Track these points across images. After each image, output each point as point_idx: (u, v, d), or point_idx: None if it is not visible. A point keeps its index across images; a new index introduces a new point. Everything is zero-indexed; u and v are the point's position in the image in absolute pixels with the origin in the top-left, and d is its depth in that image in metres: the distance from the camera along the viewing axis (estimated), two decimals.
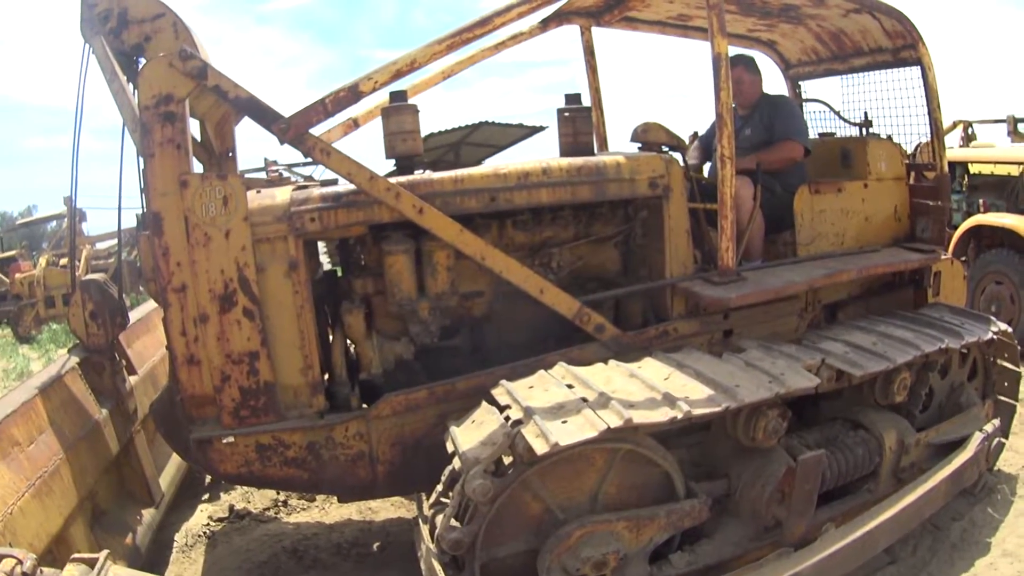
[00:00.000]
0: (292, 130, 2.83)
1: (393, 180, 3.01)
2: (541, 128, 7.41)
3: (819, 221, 4.04)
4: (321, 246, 3.47)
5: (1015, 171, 7.16)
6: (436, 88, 4.20)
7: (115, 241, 13.07)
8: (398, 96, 3.28)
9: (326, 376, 3.21)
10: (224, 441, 2.96)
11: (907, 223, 4.39)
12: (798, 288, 3.62)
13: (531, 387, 2.84)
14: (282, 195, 3.02)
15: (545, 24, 4.28)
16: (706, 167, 4.62)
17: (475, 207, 3.17)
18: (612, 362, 3.05)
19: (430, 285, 3.17)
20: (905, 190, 4.39)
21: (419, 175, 3.21)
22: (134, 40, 3.40)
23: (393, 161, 3.32)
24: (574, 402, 2.63)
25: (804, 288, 3.68)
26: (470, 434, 2.70)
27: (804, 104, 5.14)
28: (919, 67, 4.28)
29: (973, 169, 7.69)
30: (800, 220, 3.97)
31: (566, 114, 3.60)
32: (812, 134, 5.06)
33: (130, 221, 3.66)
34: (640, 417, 2.53)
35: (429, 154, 7.46)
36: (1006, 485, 4.03)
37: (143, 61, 3.31)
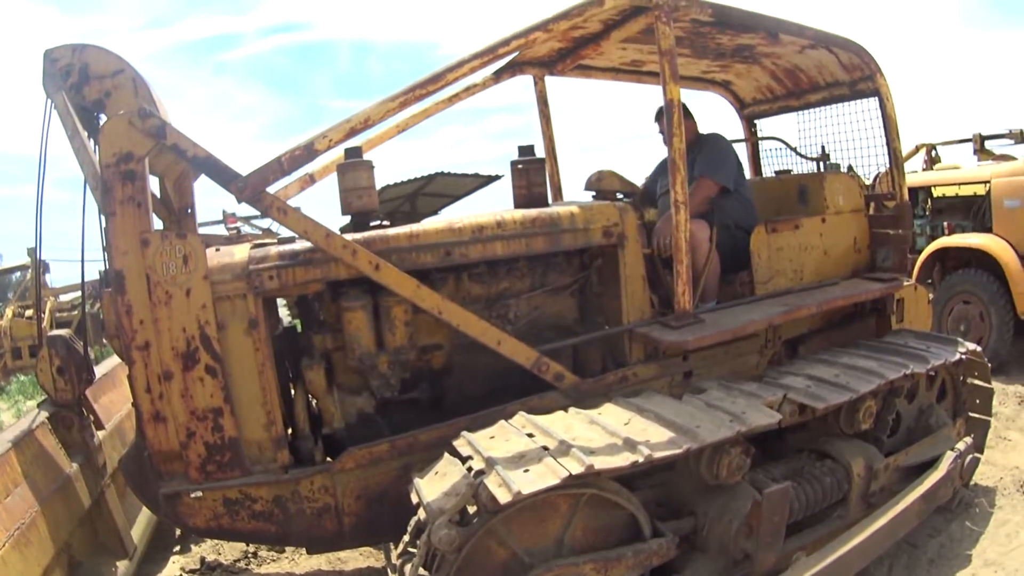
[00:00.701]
0: (249, 189, 2.85)
1: (349, 236, 3.03)
2: (496, 177, 7.51)
3: (776, 259, 4.06)
4: (281, 300, 3.48)
5: (981, 190, 7.22)
6: (392, 139, 4.18)
7: (79, 293, 12.99)
8: (353, 152, 3.30)
9: (290, 431, 3.21)
10: (192, 496, 2.95)
11: (867, 254, 4.44)
12: (756, 326, 3.65)
13: (492, 437, 2.85)
14: (240, 253, 3.03)
15: (498, 75, 4.28)
16: None
17: (431, 262, 3.20)
18: (572, 410, 3.06)
19: (389, 340, 3.18)
20: (864, 221, 4.45)
21: (375, 231, 3.23)
22: (95, 96, 3.41)
23: (349, 216, 3.34)
24: (535, 451, 2.64)
25: (763, 326, 3.71)
26: (434, 485, 2.71)
27: (760, 142, 5.20)
28: (877, 98, 4.35)
29: (937, 192, 7.77)
30: (757, 259, 4.01)
31: (519, 166, 3.64)
32: (768, 172, 5.14)
33: (93, 274, 3.66)
34: (601, 463, 2.54)
35: (385, 205, 7.51)
36: (984, 499, 4.04)
37: (103, 117, 3.34)
